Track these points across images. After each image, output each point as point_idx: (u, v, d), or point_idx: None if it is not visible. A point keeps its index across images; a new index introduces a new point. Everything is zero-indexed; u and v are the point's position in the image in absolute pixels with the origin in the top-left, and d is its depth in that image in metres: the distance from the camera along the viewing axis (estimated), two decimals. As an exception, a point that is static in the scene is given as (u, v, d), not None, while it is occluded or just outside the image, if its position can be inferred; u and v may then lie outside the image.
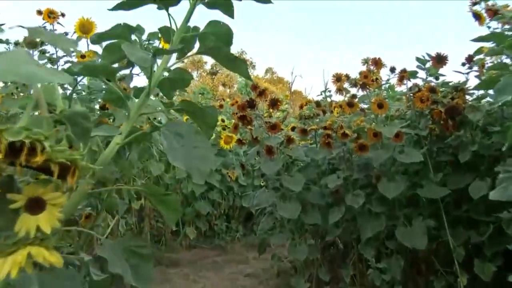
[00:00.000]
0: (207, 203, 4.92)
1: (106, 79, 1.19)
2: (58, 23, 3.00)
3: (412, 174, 2.50)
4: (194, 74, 28.91)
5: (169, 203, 1.15)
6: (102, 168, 1.09)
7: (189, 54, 1.22)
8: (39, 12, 3.00)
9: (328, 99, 2.97)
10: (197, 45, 1.22)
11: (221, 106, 5.33)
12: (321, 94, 3.04)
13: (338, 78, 2.44)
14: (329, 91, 3.03)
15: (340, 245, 2.89)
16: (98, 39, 1.02)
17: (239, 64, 1.14)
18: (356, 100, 2.42)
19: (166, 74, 1.29)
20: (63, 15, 3.02)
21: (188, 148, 1.02)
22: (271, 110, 2.58)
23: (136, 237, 0.97)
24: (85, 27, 2.82)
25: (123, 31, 1.03)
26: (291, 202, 2.53)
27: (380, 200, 2.38)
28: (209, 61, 30.10)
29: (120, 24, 1.02)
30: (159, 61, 1.20)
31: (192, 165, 0.99)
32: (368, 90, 2.38)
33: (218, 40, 1.19)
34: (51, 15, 3.01)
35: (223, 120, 4.79)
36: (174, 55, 1.25)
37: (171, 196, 1.14)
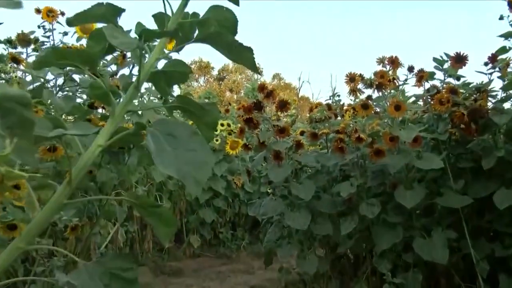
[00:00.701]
0: (212, 211, 4.77)
1: (93, 74, 1.04)
2: (57, 22, 2.89)
3: (430, 182, 2.32)
4: (201, 79, 28.89)
5: (161, 216, 1.00)
6: (80, 174, 0.94)
7: (186, 44, 1.06)
8: (38, 11, 2.88)
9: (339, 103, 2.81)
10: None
11: (227, 110, 5.18)
12: (330, 99, 2.89)
13: (351, 78, 2.27)
14: (338, 95, 2.88)
15: (351, 257, 2.72)
16: (75, 20, 0.87)
17: (244, 53, 0.98)
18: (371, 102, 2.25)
19: (162, 67, 1.14)
20: (62, 13, 2.89)
21: (182, 151, 0.86)
22: (279, 113, 2.42)
23: (121, 257, 0.80)
24: (85, 27, 2.69)
25: (106, 12, 0.88)
26: (300, 211, 2.37)
27: (396, 209, 2.20)
28: (216, 66, 30.07)
29: (103, 3, 0.86)
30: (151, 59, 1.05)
31: (186, 172, 0.83)
32: (384, 91, 2.21)
33: (220, 27, 1.04)
34: (50, 14, 2.88)
35: (229, 125, 4.64)
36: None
37: (162, 208, 0.99)
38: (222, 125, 4.62)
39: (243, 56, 0.99)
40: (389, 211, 2.22)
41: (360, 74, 2.28)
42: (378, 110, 2.40)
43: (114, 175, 2.65)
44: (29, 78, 2.53)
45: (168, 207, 4.43)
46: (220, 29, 1.01)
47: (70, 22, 0.87)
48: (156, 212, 0.99)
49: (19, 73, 2.54)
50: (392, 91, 2.25)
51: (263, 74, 30.07)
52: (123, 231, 3.30)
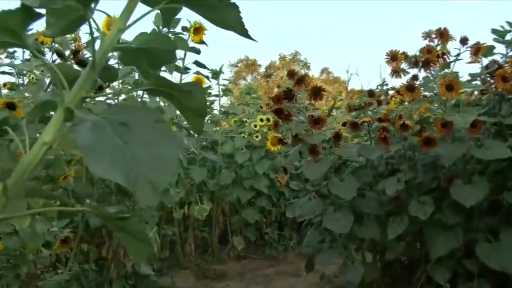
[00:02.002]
0: (255, 211, 4.53)
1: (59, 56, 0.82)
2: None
3: (494, 174, 1.97)
4: (249, 77, 28.82)
5: (130, 230, 0.76)
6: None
7: (157, 8, 0.81)
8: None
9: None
10: None
11: (267, 105, 4.92)
12: (377, 88, 2.60)
13: (393, 57, 1.95)
14: (386, 84, 2.58)
15: (406, 261, 2.40)
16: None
17: (227, 12, 0.73)
18: (418, 83, 1.92)
19: (140, 44, 0.91)
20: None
21: (136, 146, 0.62)
22: (313, 102, 2.14)
23: None
24: (109, 26, 2.54)
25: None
26: (342, 212, 2.08)
27: (454, 208, 1.87)
28: (263, 63, 29.89)
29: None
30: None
31: (138, 174, 0.58)
32: (432, 70, 1.88)
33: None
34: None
35: (268, 120, 4.38)
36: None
37: (131, 221, 0.75)
38: (261, 120, 4.37)
39: (226, 16, 0.74)
40: (444, 210, 1.89)
41: (404, 52, 1.95)
42: (427, 94, 2.07)
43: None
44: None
45: (209, 208, 4.24)
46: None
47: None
48: (123, 225, 0.76)
49: None
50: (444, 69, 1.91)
51: (311, 68, 29.58)
52: (156, 235, 3.12)
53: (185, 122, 4.02)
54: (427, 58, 1.81)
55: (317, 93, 2.06)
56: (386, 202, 2.10)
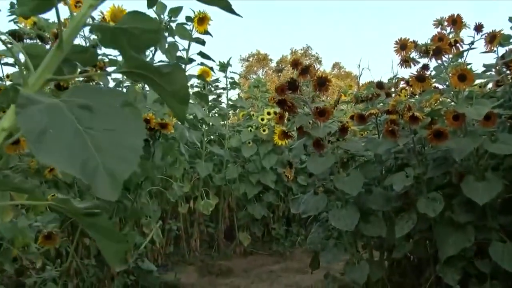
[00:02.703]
0: (261, 206, 4.45)
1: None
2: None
3: (509, 170, 1.86)
4: (260, 72, 28.68)
5: (101, 228, 0.69)
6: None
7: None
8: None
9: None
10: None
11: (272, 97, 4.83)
12: (388, 83, 2.48)
13: (402, 45, 1.84)
14: (397, 78, 2.47)
15: (414, 260, 2.30)
16: None
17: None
18: (429, 73, 1.81)
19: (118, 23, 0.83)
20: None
21: (98, 132, 0.54)
22: (319, 94, 2.04)
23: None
24: (116, 17, 2.47)
25: None
26: (347, 208, 1.99)
27: (465, 205, 1.77)
28: (274, 58, 29.72)
29: None
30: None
31: (96, 165, 0.50)
32: (444, 59, 1.77)
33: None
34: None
35: (275, 113, 4.29)
36: None
37: (101, 218, 0.67)
38: (269, 113, 4.27)
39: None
40: (455, 207, 1.79)
41: (414, 41, 1.85)
42: (439, 86, 1.96)
43: (138, 170, 2.40)
44: None
45: (214, 203, 4.17)
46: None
47: None
48: (94, 223, 0.68)
49: None
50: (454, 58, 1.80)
51: (322, 63, 29.36)
52: (159, 230, 3.06)
53: (187, 115, 3.96)
54: (438, 46, 1.70)
55: (322, 83, 1.96)
56: (393, 198, 2.01)
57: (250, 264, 4.28)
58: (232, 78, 4.63)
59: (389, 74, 2.73)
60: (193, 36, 2.75)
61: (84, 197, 2.57)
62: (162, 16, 2.40)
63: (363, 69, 2.80)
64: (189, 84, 4.95)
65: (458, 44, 1.75)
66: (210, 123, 4.43)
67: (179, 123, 2.46)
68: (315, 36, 44.29)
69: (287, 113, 2.15)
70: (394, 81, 2.47)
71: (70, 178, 2.44)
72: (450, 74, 1.70)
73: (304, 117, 2.03)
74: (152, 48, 2.43)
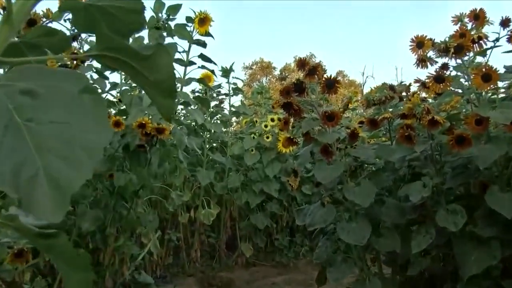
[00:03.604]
0: (264, 216, 4.29)
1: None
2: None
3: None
4: (263, 80, 28.61)
5: (62, 253, 0.53)
6: None
7: None
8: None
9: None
10: None
11: (276, 102, 4.69)
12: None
13: (419, 43, 1.69)
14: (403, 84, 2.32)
15: (428, 277, 2.13)
16: None
17: None
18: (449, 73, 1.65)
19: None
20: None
21: (44, 125, 0.39)
22: (327, 96, 1.90)
23: None
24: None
25: None
26: (357, 221, 1.83)
27: (489, 218, 1.61)
28: (278, 66, 29.65)
29: None
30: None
31: (33, 169, 0.35)
32: (465, 58, 1.62)
33: None
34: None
35: (279, 119, 4.14)
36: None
37: (59, 239, 0.52)
38: (272, 120, 4.13)
39: None
40: (478, 220, 1.62)
41: (431, 38, 1.69)
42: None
43: (134, 178, 2.26)
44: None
45: (216, 212, 4.02)
46: None
47: None
48: (51, 245, 0.53)
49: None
50: (476, 57, 1.65)
51: (326, 72, 29.24)
52: (156, 241, 2.91)
53: (183, 118, 3.82)
54: (460, 43, 1.55)
55: (331, 85, 1.81)
56: (408, 210, 1.85)
57: (252, 276, 4.13)
58: (235, 84, 4.50)
59: (393, 82, 2.58)
60: (194, 38, 2.62)
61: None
62: (160, 15, 2.26)
63: (367, 77, 2.68)
64: (190, 89, 4.82)
65: (481, 41, 1.60)
66: (212, 130, 4.30)
67: (178, 128, 2.32)
68: (319, 44, 44.27)
69: (292, 118, 2.01)
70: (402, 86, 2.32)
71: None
72: (472, 74, 1.55)
73: (311, 121, 1.88)
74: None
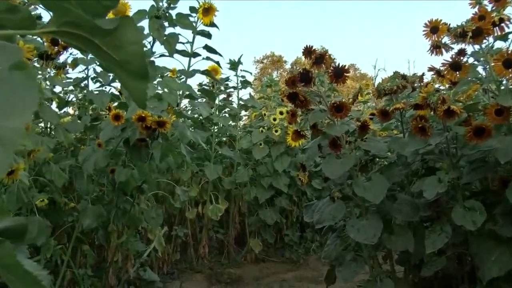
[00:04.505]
0: (273, 211, 4.20)
1: None
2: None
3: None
4: (274, 74, 28.44)
5: (7, 265, 0.45)
6: None
7: None
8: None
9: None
10: None
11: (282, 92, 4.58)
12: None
13: (434, 28, 1.58)
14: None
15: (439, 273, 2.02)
16: None
17: None
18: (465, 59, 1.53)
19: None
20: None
21: None
22: (335, 85, 1.79)
23: None
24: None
25: None
26: (368, 218, 1.73)
27: (510, 216, 1.50)
28: (289, 60, 29.42)
29: None
30: None
31: None
32: (484, 43, 1.50)
33: None
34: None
35: (288, 112, 4.04)
36: None
37: (2, 248, 0.43)
38: (281, 113, 4.02)
39: None
40: (498, 218, 1.51)
41: (446, 23, 1.57)
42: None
43: (136, 173, 2.18)
44: None
45: (224, 207, 3.93)
46: None
47: None
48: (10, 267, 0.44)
49: None
50: (496, 42, 1.52)
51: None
52: (161, 238, 2.83)
53: (190, 112, 3.73)
54: (479, 26, 1.43)
55: (339, 74, 1.71)
56: (422, 206, 1.74)
57: (261, 272, 4.05)
58: (243, 76, 4.39)
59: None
60: (198, 29, 2.52)
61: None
62: (160, 4, 2.17)
63: (379, 70, 2.55)
64: (197, 83, 4.72)
65: (503, 24, 1.47)
66: (220, 123, 4.21)
67: (180, 121, 2.23)
68: (330, 37, 43.91)
69: (299, 109, 1.91)
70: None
71: (62, 180, 2.23)
72: (492, 61, 1.43)
73: (319, 113, 1.78)
74: (150, 39, 2.20)
